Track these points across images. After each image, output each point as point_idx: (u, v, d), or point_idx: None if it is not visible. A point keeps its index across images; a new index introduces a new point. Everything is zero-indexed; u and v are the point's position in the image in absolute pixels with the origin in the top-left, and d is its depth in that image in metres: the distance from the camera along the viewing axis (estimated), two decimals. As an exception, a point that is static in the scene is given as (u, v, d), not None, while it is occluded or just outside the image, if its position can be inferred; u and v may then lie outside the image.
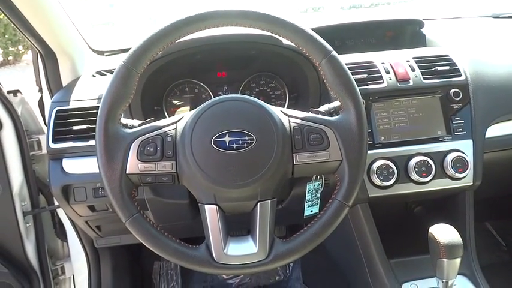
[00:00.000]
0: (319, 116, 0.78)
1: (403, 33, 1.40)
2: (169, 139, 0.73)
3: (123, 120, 0.77)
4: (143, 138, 0.73)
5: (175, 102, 1.18)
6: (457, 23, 1.60)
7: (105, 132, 0.71)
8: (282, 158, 0.72)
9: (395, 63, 1.09)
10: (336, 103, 0.82)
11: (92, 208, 1.06)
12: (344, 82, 0.75)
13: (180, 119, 0.76)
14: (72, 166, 1.00)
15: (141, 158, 0.72)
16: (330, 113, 0.82)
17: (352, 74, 0.76)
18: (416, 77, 1.07)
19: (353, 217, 1.11)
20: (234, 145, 0.71)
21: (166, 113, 1.17)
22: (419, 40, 1.36)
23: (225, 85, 1.20)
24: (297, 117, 0.76)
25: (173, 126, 0.75)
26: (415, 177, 1.02)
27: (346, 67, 0.75)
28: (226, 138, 0.71)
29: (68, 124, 1.01)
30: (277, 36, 1.02)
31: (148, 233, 0.72)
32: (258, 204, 0.73)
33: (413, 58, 1.11)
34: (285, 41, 1.02)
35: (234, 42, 1.05)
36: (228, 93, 1.17)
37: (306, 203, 1.01)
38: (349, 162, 0.74)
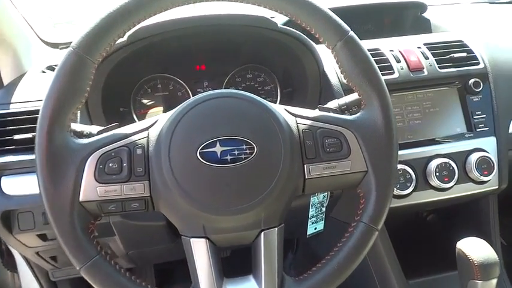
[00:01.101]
0: (334, 114, 0.61)
1: (403, 18, 1.26)
2: (139, 151, 0.54)
3: (76, 126, 0.59)
4: (103, 151, 0.54)
5: (145, 102, 0.98)
6: (455, 9, 1.48)
7: (48, 144, 0.53)
8: (290, 172, 0.55)
9: (405, 51, 0.94)
10: (348, 98, 0.66)
11: (43, 237, 0.85)
12: (366, 70, 0.59)
13: (153, 123, 0.57)
14: (15, 186, 0.79)
15: (100, 179, 0.53)
16: (341, 110, 0.66)
17: None
18: (430, 65, 0.93)
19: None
20: (228, 157, 0.53)
21: (135, 116, 0.97)
22: (422, 26, 1.22)
23: (205, 80, 1.01)
24: (306, 117, 0.59)
25: (144, 134, 0.56)
26: (435, 183, 0.88)
27: (367, 51, 0.59)
28: (217, 148, 0.53)
29: (8, 132, 0.80)
30: (271, 18, 0.84)
31: (112, 282, 0.52)
32: (262, 233, 0.56)
33: (425, 44, 0.97)
34: (280, 24, 0.85)
35: (221, 25, 0.86)
36: (210, 90, 0.99)
37: (309, 219, 0.85)
38: (377, 174, 0.58)
